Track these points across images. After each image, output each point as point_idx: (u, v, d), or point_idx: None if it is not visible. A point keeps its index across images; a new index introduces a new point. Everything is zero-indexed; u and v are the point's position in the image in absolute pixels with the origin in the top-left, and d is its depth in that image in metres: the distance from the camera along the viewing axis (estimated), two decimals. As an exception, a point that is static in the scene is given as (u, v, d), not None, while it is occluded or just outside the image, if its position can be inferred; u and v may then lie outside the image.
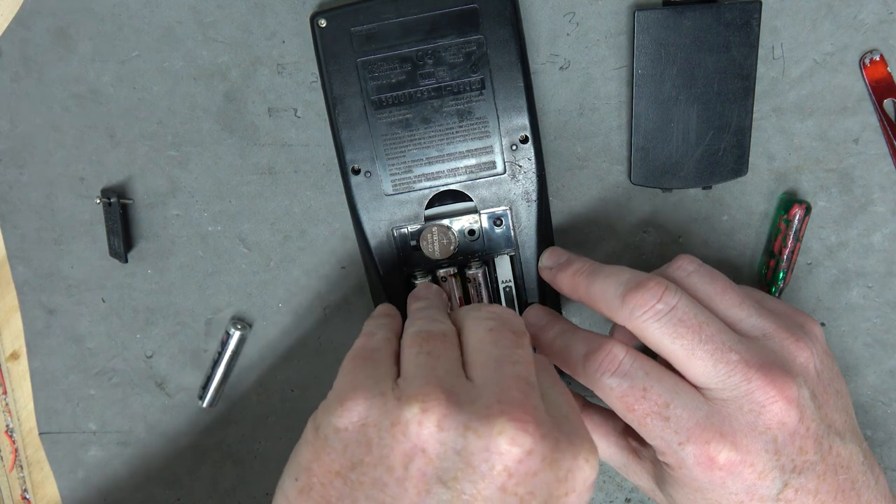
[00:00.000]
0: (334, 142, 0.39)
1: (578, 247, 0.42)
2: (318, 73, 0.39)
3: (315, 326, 0.43)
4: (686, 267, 0.36)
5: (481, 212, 0.39)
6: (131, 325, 0.43)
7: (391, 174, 0.38)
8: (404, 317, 0.38)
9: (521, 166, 0.38)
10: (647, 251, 0.42)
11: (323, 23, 0.37)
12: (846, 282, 0.42)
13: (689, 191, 0.41)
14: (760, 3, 0.38)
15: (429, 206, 0.39)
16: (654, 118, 0.39)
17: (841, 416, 0.34)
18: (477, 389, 0.28)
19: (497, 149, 0.38)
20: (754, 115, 0.39)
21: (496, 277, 0.40)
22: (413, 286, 0.40)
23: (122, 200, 0.41)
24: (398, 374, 0.30)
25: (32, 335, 0.43)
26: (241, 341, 0.42)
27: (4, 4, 0.40)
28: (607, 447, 0.38)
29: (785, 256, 0.40)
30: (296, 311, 0.43)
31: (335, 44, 0.37)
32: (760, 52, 0.39)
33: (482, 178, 0.39)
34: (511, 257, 0.40)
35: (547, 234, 0.40)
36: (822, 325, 0.42)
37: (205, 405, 0.42)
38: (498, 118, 0.38)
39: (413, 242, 0.39)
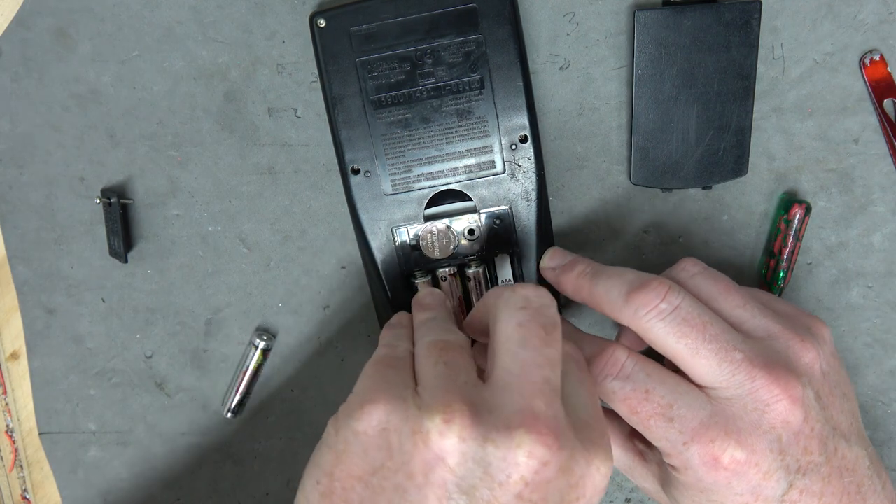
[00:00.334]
0: (334, 142, 0.39)
1: (578, 247, 0.42)
2: (317, 73, 0.39)
3: (315, 326, 0.43)
4: (690, 269, 0.36)
5: (481, 211, 0.39)
6: (131, 325, 0.43)
7: (391, 174, 0.38)
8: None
9: (520, 166, 0.38)
10: (647, 251, 0.42)
11: (322, 23, 0.37)
12: (846, 282, 0.42)
13: (689, 191, 0.41)
14: (760, 3, 0.38)
15: (428, 205, 0.39)
16: (654, 118, 0.39)
17: (847, 419, 0.34)
18: (498, 395, 0.28)
19: (496, 148, 0.38)
20: (754, 115, 0.39)
21: (496, 277, 0.40)
22: (413, 286, 0.40)
23: (122, 200, 0.41)
24: (416, 384, 0.30)
25: (32, 335, 0.43)
26: (266, 352, 0.42)
27: (4, 4, 0.40)
28: (613, 449, 0.38)
29: (785, 256, 0.40)
30: (296, 311, 0.43)
31: (334, 44, 0.37)
32: (760, 52, 0.39)
33: (482, 177, 0.39)
34: (511, 257, 0.40)
35: (547, 234, 0.40)
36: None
37: (227, 415, 0.43)
38: (497, 117, 0.38)
39: (413, 242, 0.39)
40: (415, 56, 0.37)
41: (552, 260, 0.39)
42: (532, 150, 0.38)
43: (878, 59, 0.40)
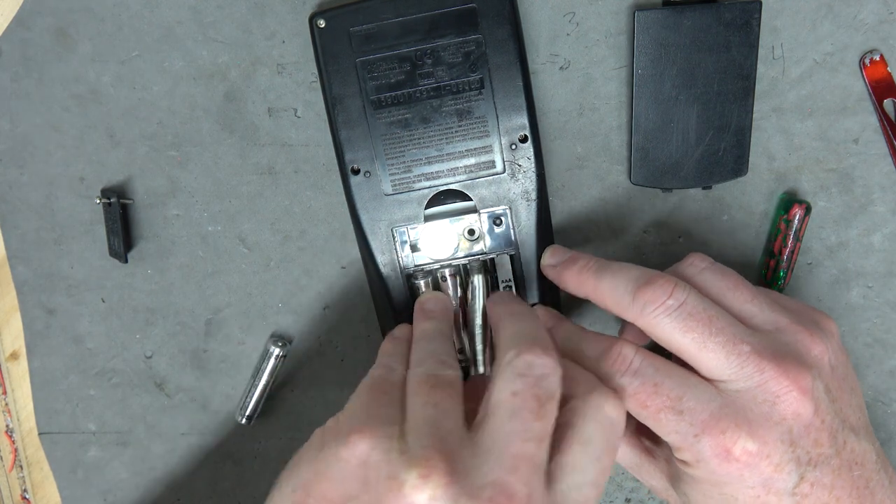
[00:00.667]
0: (334, 142, 0.39)
1: (578, 247, 0.42)
2: (317, 73, 0.39)
3: (315, 326, 0.43)
4: (697, 264, 0.36)
5: (481, 211, 0.39)
6: (131, 325, 0.43)
7: (391, 174, 0.38)
8: (409, 318, 0.39)
9: (520, 165, 0.38)
10: (647, 251, 0.42)
11: (322, 23, 0.37)
12: (846, 282, 0.42)
13: (689, 191, 0.41)
14: (760, 3, 0.38)
15: (429, 205, 0.39)
16: (654, 118, 0.39)
17: (855, 413, 0.34)
18: (478, 457, 0.28)
19: (496, 148, 0.38)
20: (754, 115, 0.39)
21: (496, 277, 0.40)
22: (413, 286, 0.40)
23: (122, 200, 0.41)
24: (404, 418, 0.31)
25: (32, 335, 0.43)
26: (282, 358, 0.42)
27: (4, 4, 0.40)
28: (620, 447, 0.38)
29: (785, 256, 0.40)
30: (296, 311, 0.43)
31: (334, 44, 0.37)
32: (760, 52, 0.39)
33: (482, 177, 0.39)
34: (511, 257, 0.40)
35: (547, 234, 0.40)
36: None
37: (242, 421, 0.43)
38: (497, 117, 0.38)
39: (413, 242, 0.39)
40: (415, 56, 0.37)
41: (553, 257, 0.39)
42: (532, 149, 0.38)
43: (878, 59, 0.40)
